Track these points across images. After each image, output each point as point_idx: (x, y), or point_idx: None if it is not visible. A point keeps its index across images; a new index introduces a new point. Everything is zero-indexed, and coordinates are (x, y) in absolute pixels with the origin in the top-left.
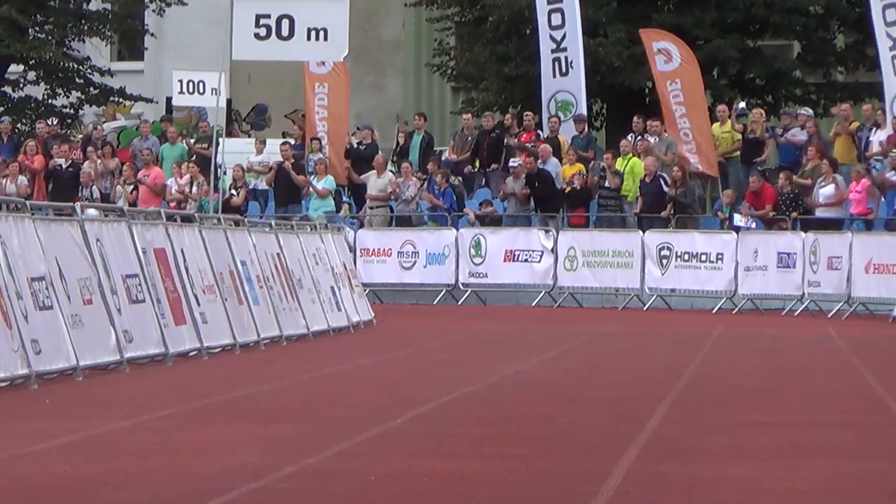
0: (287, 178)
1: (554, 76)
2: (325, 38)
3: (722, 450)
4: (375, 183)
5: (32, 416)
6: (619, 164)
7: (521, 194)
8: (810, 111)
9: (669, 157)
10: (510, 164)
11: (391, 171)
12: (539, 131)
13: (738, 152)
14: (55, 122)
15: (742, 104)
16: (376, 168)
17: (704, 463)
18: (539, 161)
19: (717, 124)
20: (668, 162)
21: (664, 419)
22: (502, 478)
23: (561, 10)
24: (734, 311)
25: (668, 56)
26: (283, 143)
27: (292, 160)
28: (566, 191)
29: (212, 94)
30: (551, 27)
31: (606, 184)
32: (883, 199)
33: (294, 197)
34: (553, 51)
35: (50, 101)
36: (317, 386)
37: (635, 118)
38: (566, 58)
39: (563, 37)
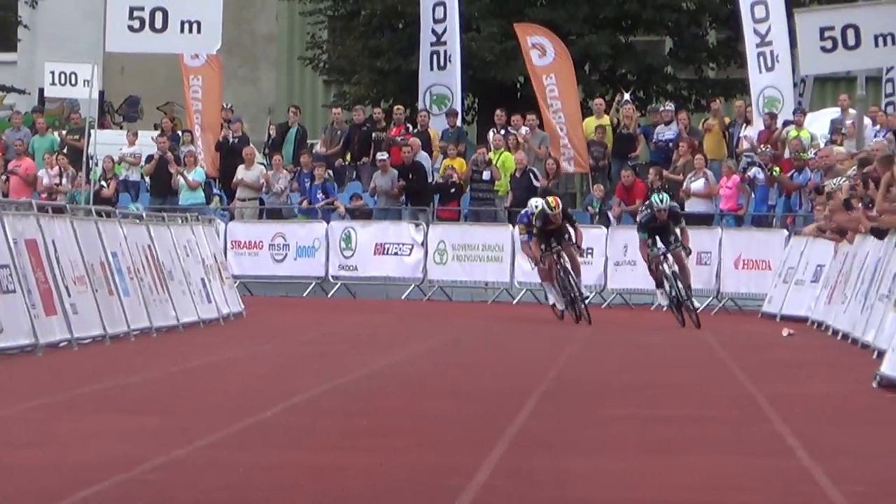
0: (162, 170)
1: (431, 69)
2: (199, 31)
3: (592, 444)
4: (245, 175)
5: None
6: (492, 158)
7: (397, 187)
8: (672, 106)
9: (543, 150)
10: (377, 158)
11: (261, 164)
12: (409, 125)
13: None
14: None
15: (627, 96)
16: (245, 161)
17: (575, 457)
18: (412, 154)
19: (590, 118)
20: (542, 156)
21: (534, 413)
22: (373, 471)
23: (444, 4)
24: (603, 306)
25: (542, 51)
26: (160, 135)
27: (169, 152)
28: (440, 184)
29: (84, 85)
30: (434, 21)
31: (486, 177)
32: (753, 195)
33: (171, 188)
34: (433, 44)
35: None
36: (187, 377)
37: (498, 112)
38: (445, 52)
39: (444, 31)
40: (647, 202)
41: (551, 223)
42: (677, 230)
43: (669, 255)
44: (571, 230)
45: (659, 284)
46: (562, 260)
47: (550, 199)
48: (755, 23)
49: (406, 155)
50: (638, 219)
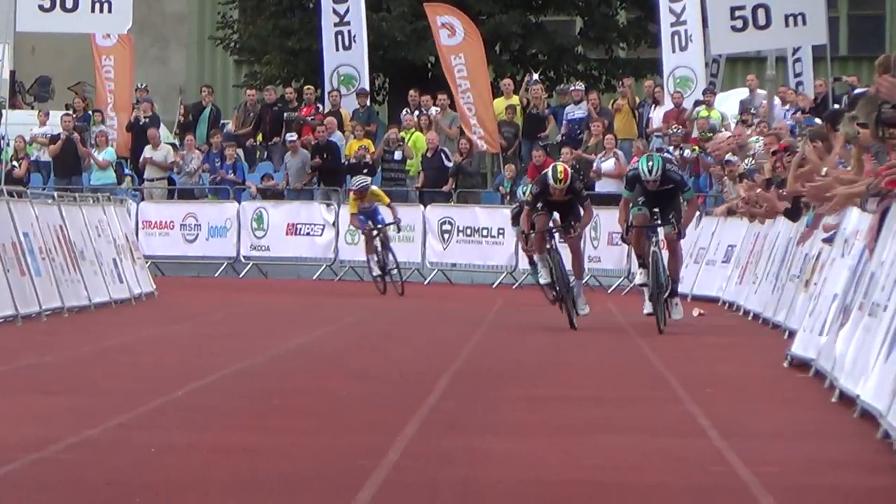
0: (71, 150)
1: (336, 49)
2: (110, 11)
3: (503, 425)
4: (153, 155)
5: None
6: (403, 138)
7: (314, 164)
8: (582, 86)
9: (454, 130)
10: (287, 139)
11: (169, 144)
12: (320, 105)
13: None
14: None
15: (535, 76)
16: (151, 141)
17: (486, 437)
18: (327, 133)
19: (500, 98)
20: (452, 136)
21: (444, 394)
22: (284, 451)
23: None
24: (514, 286)
25: (451, 30)
26: (65, 115)
27: (76, 132)
28: (353, 164)
29: None
30: (334, 1)
31: (397, 157)
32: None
33: (76, 169)
34: (336, 24)
35: None
36: (98, 358)
37: (411, 92)
38: (349, 31)
39: (347, 11)
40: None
41: (552, 196)
42: (683, 202)
43: (660, 232)
44: (581, 210)
45: (641, 260)
46: (553, 244)
47: (560, 168)
48: (671, 2)
49: (321, 135)
50: (626, 174)
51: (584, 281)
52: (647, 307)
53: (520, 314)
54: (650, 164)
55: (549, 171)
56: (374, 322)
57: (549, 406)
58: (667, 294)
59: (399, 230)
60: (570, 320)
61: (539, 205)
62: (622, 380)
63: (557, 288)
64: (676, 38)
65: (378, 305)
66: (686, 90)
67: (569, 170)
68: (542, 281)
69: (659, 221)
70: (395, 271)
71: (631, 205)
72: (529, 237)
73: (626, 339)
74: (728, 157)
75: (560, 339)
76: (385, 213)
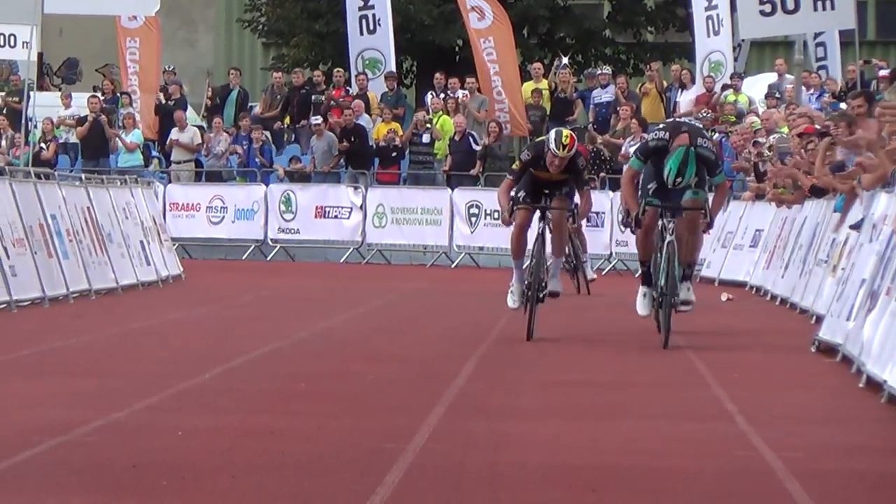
0: (98, 132)
1: (361, 34)
2: None
3: (528, 408)
4: (179, 137)
5: None
6: (431, 120)
7: (342, 147)
8: (609, 70)
9: (482, 114)
10: (312, 122)
11: (196, 126)
12: (348, 88)
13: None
14: None
15: (565, 60)
16: (178, 123)
17: (511, 420)
18: (354, 116)
19: (529, 82)
20: (481, 119)
21: (471, 377)
22: (311, 433)
23: None
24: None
25: (481, 14)
26: (93, 97)
27: (102, 114)
28: (381, 147)
29: (23, 47)
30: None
31: (425, 140)
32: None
33: (103, 151)
34: (360, 8)
35: None
36: (125, 340)
37: (438, 75)
38: (374, 15)
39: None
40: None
41: (544, 170)
42: (715, 180)
43: (673, 223)
44: (578, 196)
45: (645, 267)
46: (543, 224)
47: (566, 133)
48: None
49: (348, 118)
50: (642, 142)
51: (562, 261)
52: (642, 305)
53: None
54: (680, 166)
55: (552, 134)
56: (401, 306)
57: (572, 390)
58: (677, 298)
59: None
60: (529, 327)
61: (524, 180)
62: (647, 364)
63: (528, 294)
64: (710, 22)
65: (405, 289)
66: (718, 75)
67: (575, 138)
68: (511, 304)
69: (676, 202)
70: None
71: (640, 193)
72: (514, 210)
73: (650, 323)
74: (749, 144)
75: (585, 321)
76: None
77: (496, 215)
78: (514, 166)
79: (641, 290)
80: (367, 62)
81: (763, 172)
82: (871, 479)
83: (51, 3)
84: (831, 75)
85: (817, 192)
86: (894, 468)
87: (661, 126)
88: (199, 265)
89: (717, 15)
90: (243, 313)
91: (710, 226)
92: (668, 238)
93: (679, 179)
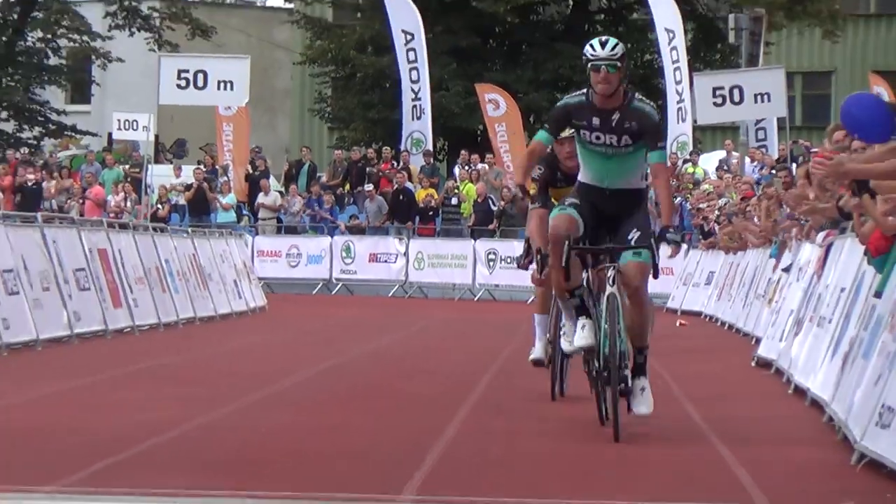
0: (202, 196)
1: (412, 119)
2: (231, 88)
3: (536, 411)
4: (264, 200)
5: (1, 378)
6: (459, 187)
7: (385, 210)
8: None
9: (498, 182)
10: (365, 188)
11: (278, 191)
12: (394, 161)
13: None
14: (25, 151)
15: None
16: (263, 189)
17: (523, 420)
18: (401, 183)
19: None
20: (497, 186)
21: (489, 386)
22: (364, 429)
23: (417, 69)
24: None
25: (496, 105)
26: (196, 168)
27: (204, 182)
28: (421, 207)
29: (143, 130)
30: (412, 81)
31: (454, 202)
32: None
33: (205, 210)
34: (412, 99)
35: (18, 134)
36: (222, 357)
37: (463, 152)
38: (420, 106)
39: (420, 89)
40: None
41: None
42: (652, 157)
43: (616, 272)
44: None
45: (576, 299)
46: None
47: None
48: (676, 84)
49: (397, 185)
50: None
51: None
52: (537, 351)
53: None
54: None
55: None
56: (435, 330)
57: (570, 400)
58: (626, 371)
59: None
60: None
61: (548, 201)
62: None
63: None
64: (679, 112)
65: (438, 318)
66: (683, 152)
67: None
68: (534, 355)
69: (611, 245)
70: None
71: (557, 203)
72: (544, 261)
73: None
74: (700, 205)
75: None
76: None
77: (509, 260)
78: (531, 192)
79: (581, 321)
80: (414, 141)
81: (708, 231)
82: (798, 464)
83: (165, 96)
84: (769, 152)
85: (844, 214)
86: (816, 455)
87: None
88: (280, 299)
89: (684, 107)
90: (313, 336)
91: (678, 245)
92: (609, 289)
93: (608, 45)
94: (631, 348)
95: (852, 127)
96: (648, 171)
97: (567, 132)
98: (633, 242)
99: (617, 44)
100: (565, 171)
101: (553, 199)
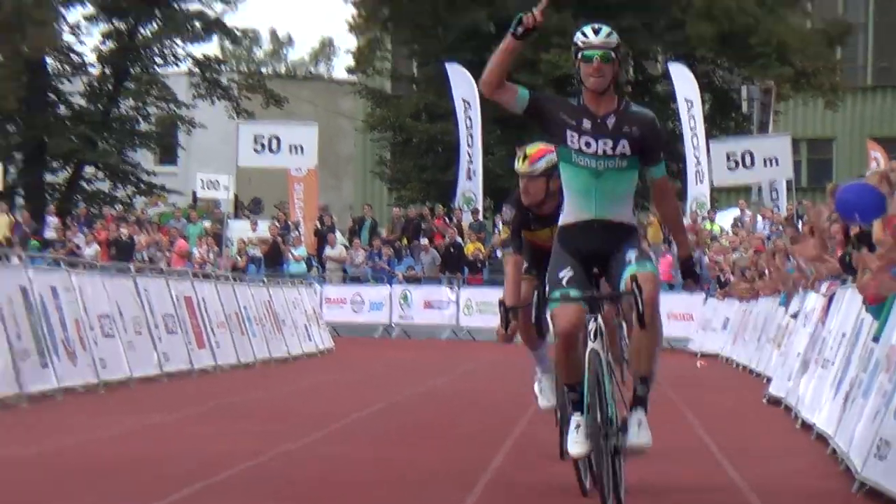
0: (276, 249)
1: (467, 179)
2: (302, 152)
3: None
4: (331, 253)
5: (99, 412)
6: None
7: (438, 262)
8: None
9: None
10: (420, 242)
11: (343, 245)
12: (446, 218)
13: None
14: (119, 208)
15: None
16: (330, 243)
17: (557, 449)
18: (452, 238)
19: None
20: None
21: (531, 420)
22: (422, 459)
23: (472, 134)
24: None
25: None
26: (271, 224)
27: (278, 236)
28: (470, 260)
29: (223, 189)
30: (468, 145)
31: (499, 255)
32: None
33: (279, 261)
34: (467, 162)
35: (113, 192)
36: (294, 394)
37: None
38: (472, 167)
39: (473, 152)
40: None
41: (541, 225)
42: (653, 173)
43: (597, 321)
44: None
45: (575, 394)
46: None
47: (529, 148)
48: (694, 149)
49: (449, 239)
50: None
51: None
52: (575, 444)
53: None
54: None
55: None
56: (483, 371)
57: None
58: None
59: None
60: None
61: (522, 245)
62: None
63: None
64: (698, 174)
65: (486, 359)
66: (701, 211)
67: (547, 151)
68: (542, 403)
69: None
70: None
71: (549, 287)
72: (509, 316)
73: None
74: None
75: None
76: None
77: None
78: (501, 237)
79: (574, 420)
80: (465, 199)
81: (724, 281)
82: (805, 491)
83: (242, 159)
84: (778, 211)
85: (847, 268)
86: (821, 484)
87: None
88: (345, 341)
89: (702, 169)
90: (375, 376)
91: (697, 278)
92: (591, 345)
93: (602, 32)
94: (631, 378)
95: (848, 211)
96: (651, 189)
97: (541, 165)
98: (632, 262)
99: (612, 32)
100: (538, 213)
101: (531, 240)
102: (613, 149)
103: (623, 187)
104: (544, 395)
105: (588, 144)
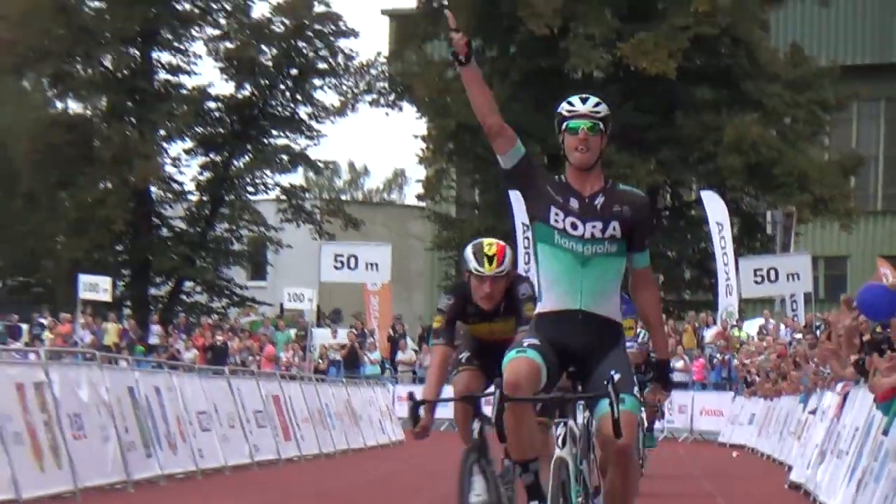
0: (354, 353)
1: (524, 271)
2: (377, 269)
3: None
4: (402, 357)
5: (197, 496)
6: None
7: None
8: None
9: None
10: None
11: (413, 350)
12: None
13: None
14: (215, 318)
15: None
16: (401, 348)
17: None
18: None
19: None
20: None
21: None
22: None
23: (529, 254)
24: None
25: None
26: (350, 332)
27: (356, 342)
28: None
29: (307, 302)
30: (524, 263)
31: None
32: (711, 371)
33: (356, 364)
34: (525, 262)
35: (209, 304)
36: (373, 481)
37: None
38: (528, 269)
39: (529, 271)
40: None
41: (480, 320)
42: (637, 261)
43: (569, 426)
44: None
45: (530, 476)
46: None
47: (487, 242)
48: (724, 266)
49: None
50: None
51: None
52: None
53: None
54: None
55: (469, 248)
56: None
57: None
58: None
59: None
60: None
61: (455, 339)
62: (680, 497)
63: None
64: (727, 287)
65: None
66: (731, 320)
67: (505, 246)
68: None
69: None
70: None
71: (509, 351)
72: (418, 412)
73: (684, 470)
74: (745, 361)
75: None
76: None
77: None
78: (435, 325)
79: None
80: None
81: (751, 382)
82: None
83: (324, 275)
84: (798, 320)
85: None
86: None
87: None
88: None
89: (731, 283)
90: (441, 465)
91: (669, 386)
92: (558, 452)
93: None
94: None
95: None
96: (632, 279)
97: (491, 267)
98: (613, 390)
99: (601, 102)
100: (478, 305)
101: (473, 333)
102: (603, 231)
103: (611, 276)
104: (475, 491)
105: (574, 226)
